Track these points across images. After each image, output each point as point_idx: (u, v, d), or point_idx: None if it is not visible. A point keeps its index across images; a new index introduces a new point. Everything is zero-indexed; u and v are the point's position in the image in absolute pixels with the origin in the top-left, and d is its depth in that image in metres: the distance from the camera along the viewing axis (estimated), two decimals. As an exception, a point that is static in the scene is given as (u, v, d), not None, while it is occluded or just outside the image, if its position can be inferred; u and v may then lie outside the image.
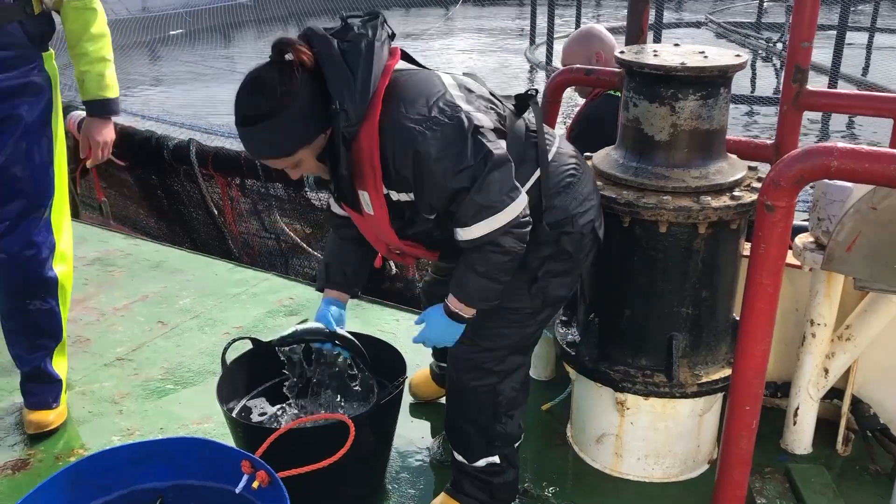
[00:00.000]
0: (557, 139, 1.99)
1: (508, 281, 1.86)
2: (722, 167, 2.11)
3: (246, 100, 1.74)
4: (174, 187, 5.17)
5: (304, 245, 4.60)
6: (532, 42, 18.14)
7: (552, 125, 2.73)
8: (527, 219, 1.79)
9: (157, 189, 5.32)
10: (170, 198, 5.30)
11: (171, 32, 17.36)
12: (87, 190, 5.75)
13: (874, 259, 1.95)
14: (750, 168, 2.19)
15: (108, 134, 2.58)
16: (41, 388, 2.60)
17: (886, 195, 1.82)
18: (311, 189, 4.38)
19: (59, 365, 2.64)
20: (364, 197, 1.84)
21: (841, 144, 1.62)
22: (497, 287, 1.85)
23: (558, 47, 3.21)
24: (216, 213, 4.92)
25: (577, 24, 18.01)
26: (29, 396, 2.61)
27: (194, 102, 12.85)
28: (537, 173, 1.89)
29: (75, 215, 5.59)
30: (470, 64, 16.93)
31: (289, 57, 1.73)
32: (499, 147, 1.76)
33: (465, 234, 1.78)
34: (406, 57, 1.89)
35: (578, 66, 2.80)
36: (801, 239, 2.28)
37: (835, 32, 12.76)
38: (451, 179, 1.72)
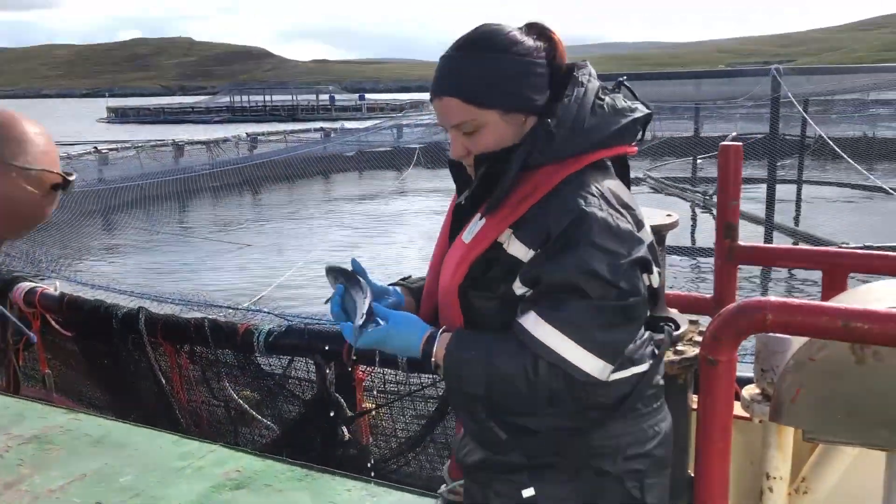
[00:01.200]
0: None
1: (492, 399, 1.50)
2: (664, 322, 2.15)
3: (476, 29, 1.53)
4: (121, 356, 5.05)
5: (254, 413, 4.48)
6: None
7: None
8: (587, 385, 1.43)
9: (103, 359, 5.19)
10: (117, 368, 5.17)
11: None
12: (31, 362, 5.59)
13: (819, 410, 1.97)
14: (691, 322, 2.24)
15: None
16: None
17: (822, 346, 1.86)
18: (261, 353, 4.33)
19: None
20: (477, 224, 1.55)
21: (773, 298, 1.67)
22: (478, 387, 1.48)
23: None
24: (164, 382, 4.79)
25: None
26: None
27: (146, 270, 12.84)
28: (641, 369, 1.52)
29: (15, 390, 5.40)
30: (425, 224, 17.35)
31: (539, 42, 1.52)
32: (644, 305, 1.49)
33: (532, 325, 1.43)
34: (626, 170, 1.67)
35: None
36: (748, 390, 2.30)
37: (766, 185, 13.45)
38: (583, 271, 1.39)
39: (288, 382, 4.41)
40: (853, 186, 17.52)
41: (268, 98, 73.95)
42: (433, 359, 1.53)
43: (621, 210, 1.47)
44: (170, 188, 19.42)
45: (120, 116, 69.62)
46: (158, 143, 24.93)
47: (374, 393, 4.22)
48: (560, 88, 1.52)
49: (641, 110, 1.56)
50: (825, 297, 2.33)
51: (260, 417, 4.51)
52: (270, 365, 4.43)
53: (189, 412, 4.79)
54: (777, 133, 13.09)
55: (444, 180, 24.17)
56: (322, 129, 32.44)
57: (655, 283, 1.55)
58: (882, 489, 1.90)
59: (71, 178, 1.70)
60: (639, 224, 1.51)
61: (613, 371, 1.46)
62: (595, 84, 1.54)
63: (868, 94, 26.04)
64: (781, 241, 12.32)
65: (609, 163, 1.57)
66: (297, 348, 4.22)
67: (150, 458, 3.56)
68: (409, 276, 1.85)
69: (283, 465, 3.45)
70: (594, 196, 1.44)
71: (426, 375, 3.89)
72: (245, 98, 74.50)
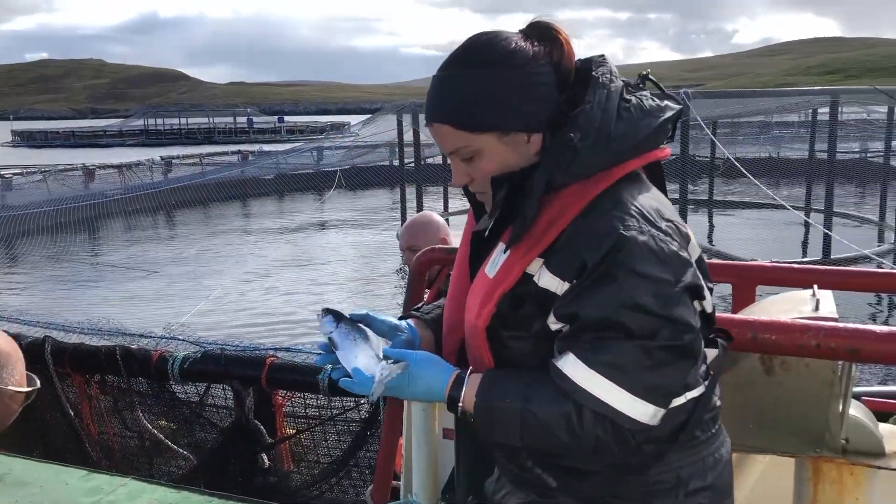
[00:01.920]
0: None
1: (529, 447, 1.35)
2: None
3: (467, 42, 1.34)
4: (26, 389, 4.82)
5: (170, 443, 4.33)
6: (403, 223, 18.74)
7: (418, 301, 2.76)
8: (636, 432, 1.26)
9: (6, 392, 4.94)
10: (20, 401, 4.92)
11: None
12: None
13: (732, 420, 2.01)
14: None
15: None
16: None
17: (734, 358, 1.91)
18: (176, 381, 4.19)
19: None
20: (499, 257, 1.36)
21: (686, 311, 1.70)
22: (514, 437, 1.31)
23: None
24: (72, 414, 4.59)
25: (446, 206, 18.86)
26: None
27: (53, 300, 12.34)
28: (696, 393, 1.34)
29: None
30: (347, 247, 17.24)
31: (540, 47, 1.33)
32: (699, 339, 1.31)
33: (572, 370, 1.26)
34: (660, 176, 1.46)
35: (440, 246, 2.88)
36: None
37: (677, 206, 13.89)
38: (627, 305, 1.22)
39: (205, 410, 4.29)
40: (760, 206, 18.26)
41: (183, 121, 72.37)
42: (460, 404, 1.34)
43: (664, 227, 1.29)
44: (79, 214, 18.76)
45: (26, 140, 66.97)
46: (67, 167, 24.09)
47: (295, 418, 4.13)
48: (576, 91, 1.33)
49: (672, 107, 1.37)
50: (735, 310, 2.39)
51: (176, 447, 4.36)
52: (186, 393, 4.30)
53: (100, 445, 4.59)
54: (687, 154, 13.55)
55: (366, 200, 24.13)
56: (239, 151, 31.96)
57: (709, 309, 1.38)
58: (791, 494, 1.96)
59: (37, 387, 1.84)
60: (685, 238, 1.34)
61: None
62: (619, 83, 1.34)
63: (772, 117, 27.32)
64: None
65: (640, 170, 1.39)
66: (214, 375, 4.11)
67: (55, 496, 3.38)
68: (421, 306, 1.64)
69: (200, 496, 3.33)
70: (632, 216, 1.26)
71: (348, 398, 3.84)
72: (160, 121, 72.73)
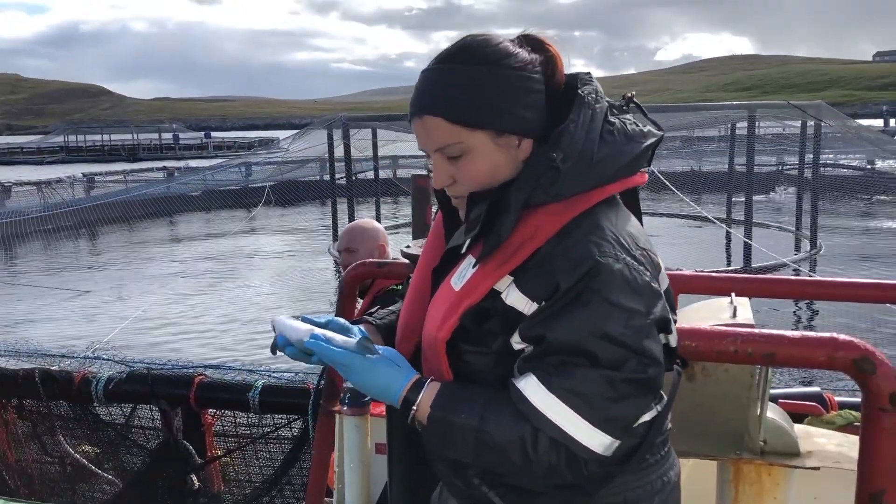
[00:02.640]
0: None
1: (481, 466, 1.32)
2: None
3: (462, 40, 1.31)
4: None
5: (93, 467, 4.19)
6: (335, 238, 18.63)
7: (351, 316, 2.75)
8: (589, 461, 1.23)
9: (-84, 421, 4.70)
10: (-68, 429, 4.69)
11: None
12: None
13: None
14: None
15: None
16: None
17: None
18: (101, 403, 4.07)
19: None
20: (467, 270, 1.32)
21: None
22: (466, 454, 1.29)
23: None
24: (-12, 441, 4.40)
25: (378, 220, 18.81)
26: None
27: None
28: (649, 416, 1.29)
29: None
30: (277, 263, 17.01)
31: (534, 56, 1.31)
32: (662, 374, 1.29)
33: (533, 393, 1.23)
34: (635, 201, 1.43)
35: (370, 260, 2.88)
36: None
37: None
38: (596, 334, 1.20)
39: (131, 432, 4.17)
40: (684, 217, 18.75)
41: (106, 137, 70.12)
42: (414, 408, 1.29)
43: (638, 256, 1.27)
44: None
45: (-64, 157, 63.93)
46: (-19, 184, 23.18)
47: (226, 437, 4.06)
48: (561, 108, 1.30)
49: (654, 133, 1.35)
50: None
51: (100, 472, 4.22)
52: (111, 415, 4.17)
53: (17, 472, 4.42)
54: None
55: (295, 218, 23.86)
56: (165, 168, 31.28)
57: (674, 343, 1.35)
58: (714, 496, 2.01)
59: None
60: (656, 268, 1.33)
61: None
62: (604, 104, 1.32)
63: (693, 131, 28.14)
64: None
65: (616, 194, 1.35)
66: (141, 395, 4.01)
67: (-28, 526, 3.25)
68: (374, 311, 1.59)
69: (125, 521, 3.25)
70: (609, 243, 1.24)
71: (279, 416, 3.79)
72: (81, 137, 70.17)
